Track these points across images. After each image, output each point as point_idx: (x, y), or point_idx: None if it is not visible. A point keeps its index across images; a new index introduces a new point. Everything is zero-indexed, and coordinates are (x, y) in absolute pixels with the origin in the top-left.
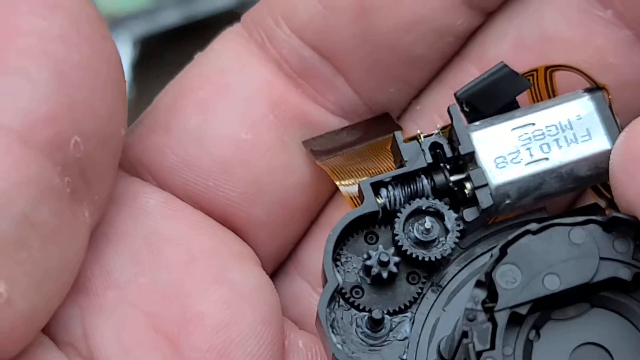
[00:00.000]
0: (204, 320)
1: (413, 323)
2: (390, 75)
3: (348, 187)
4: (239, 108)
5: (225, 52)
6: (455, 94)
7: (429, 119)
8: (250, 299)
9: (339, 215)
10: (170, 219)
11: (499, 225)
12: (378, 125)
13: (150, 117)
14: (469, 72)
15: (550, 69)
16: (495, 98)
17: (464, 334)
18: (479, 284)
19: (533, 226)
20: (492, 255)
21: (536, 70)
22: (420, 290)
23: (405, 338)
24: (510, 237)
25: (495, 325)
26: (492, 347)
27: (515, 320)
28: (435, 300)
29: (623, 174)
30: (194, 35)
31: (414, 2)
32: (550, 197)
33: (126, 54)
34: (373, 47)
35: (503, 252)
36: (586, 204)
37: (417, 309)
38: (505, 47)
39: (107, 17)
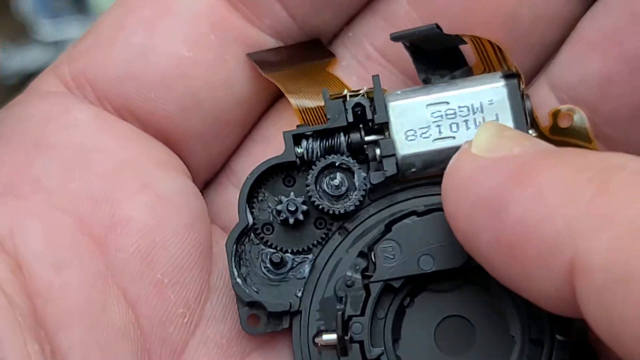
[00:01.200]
0: (130, 224)
1: (313, 264)
2: (324, 2)
3: (295, 100)
4: (182, 27)
5: None
6: (390, 35)
7: (359, 45)
8: (174, 204)
9: (272, 130)
10: (99, 132)
11: (412, 182)
12: (312, 49)
13: (95, 32)
14: (398, 3)
15: (496, 45)
16: (433, 44)
17: (340, 299)
18: (361, 254)
19: (419, 208)
20: (360, 225)
21: (480, 40)
22: (325, 235)
23: (304, 277)
24: (397, 215)
25: (368, 295)
26: (362, 313)
27: (392, 290)
28: (340, 243)
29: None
30: None
31: None
32: None
33: None
34: None
35: (388, 228)
36: None
37: (320, 251)
38: None
39: None
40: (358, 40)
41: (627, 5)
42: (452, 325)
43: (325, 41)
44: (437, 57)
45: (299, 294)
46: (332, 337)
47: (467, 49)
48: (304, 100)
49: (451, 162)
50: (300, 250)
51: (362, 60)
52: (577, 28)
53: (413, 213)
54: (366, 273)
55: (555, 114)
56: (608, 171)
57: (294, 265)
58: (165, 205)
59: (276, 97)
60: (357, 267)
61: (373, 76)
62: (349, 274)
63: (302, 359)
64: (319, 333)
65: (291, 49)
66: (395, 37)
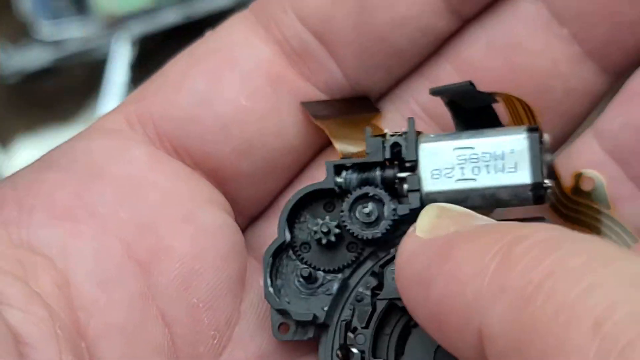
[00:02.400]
0: (172, 252)
1: (344, 283)
2: (376, 64)
3: (340, 145)
4: (242, 79)
5: (234, 31)
6: (430, 89)
7: (404, 102)
8: (214, 237)
9: (318, 173)
10: (151, 168)
11: None
12: (360, 104)
13: (162, 78)
14: (444, 69)
15: (524, 103)
16: (468, 100)
17: (349, 312)
18: (372, 274)
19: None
20: (390, 253)
21: (511, 98)
22: (355, 258)
23: (331, 294)
24: None
25: (374, 310)
26: (367, 326)
27: (399, 309)
28: (371, 267)
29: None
30: (193, 35)
31: (407, 3)
32: (475, 209)
33: (125, 53)
34: (366, 38)
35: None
36: (533, 216)
37: (352, 273)
38: (477, 49)
39: (106, 17)
40: (404, 98)
41: None
42: None
43: (372, 98)
44: (474, 114)
45: (326, 308)
46: (354, 350)
47: (502, 111)
48: (348, 146)
49: (400, 244)
50: (332, 269)
51: (406, 115)
52: (624, 85)
53: None
54: (375, 291)
55: (578, 176)
56: (513, 242)
57: (324, 282)
58: (205, 237)
59: (324, 146)
60: (368, 285)
61: (408, 118)
62: (360, 290)
63: None
64: (341, 347)
65: (341, 102)
66: (433, 91)
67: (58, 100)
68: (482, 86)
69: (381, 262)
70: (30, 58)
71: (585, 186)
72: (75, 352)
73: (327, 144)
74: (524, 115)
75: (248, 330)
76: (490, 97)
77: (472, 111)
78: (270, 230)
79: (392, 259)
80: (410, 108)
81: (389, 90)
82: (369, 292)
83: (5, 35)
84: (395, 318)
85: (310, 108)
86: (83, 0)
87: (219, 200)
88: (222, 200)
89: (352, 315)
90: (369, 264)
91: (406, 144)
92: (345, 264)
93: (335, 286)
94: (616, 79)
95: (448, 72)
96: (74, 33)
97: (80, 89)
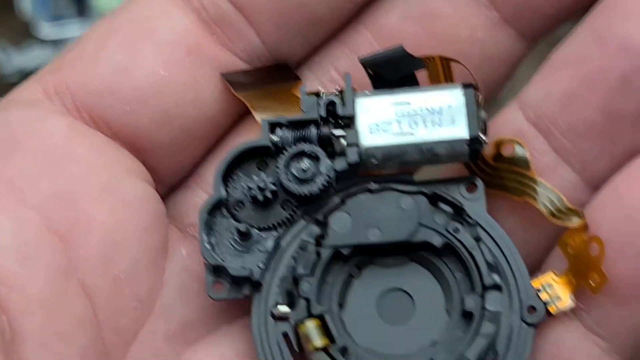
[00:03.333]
0: (93, 224)
1: (278, 242)
2: (295, 31)
3: (260, 116)
4: (160, 49)
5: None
6: (359, 58)
7: (325, 70)
8: (135, 208)
9: (239, 141)
10: (70, 139)
11: (373, 177)
12: (280, 72)
13: (79, 47)
14: (363, 35)
15: (445, 60)
16: (394, 69)
17: (294, 259)
18: (317, 222)
19: (372, 185)
20: (333, 201)
21: (433, 57)
22: (290, 216)
23: (267, 251)
24: (352, 190)
25: (319, 258)
26: (312, 274)
27: (342, 258)
28: (304, 227)
29: None
30: None
31: None
32: (411, 165)
33: None
34: (284, 5)
35: (342, 201)
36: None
37: (285, 232)
38: (395, 17)
39: None
40: (323, 65)
41: (591, 31)
42: (394, 297)
43: (292, 65)
44: (395, 84)
45: (261, 265)
46: (287, 309)
47: (420, 77)
48: (267, 116)
49: None
50: (266, 227)
51: (326, 83)
52: (548, 57)
53: (366, 190)
54: (320, 240)
55: (499, 144)
56: None
57: (259, 239)
58: (125, 208)
59: (243, 115)
60: (312, 234)
61: (345, 74)
62: (304, 238)
63: (259, 328)
64: (277, 305)
65: (261, 71)
66: (364, 60)
67: None
68: None
69: (315, 217)
70: (30, 58)
71: (506, 152)
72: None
73: (245, 113)
74: (441, 76)
75: (171, 300)
76: (419, 62)
77: (394, 82)
78: (192, 199)
79: (335, 208)
80: (329, 75)
81: (307, 58)
82: (312, 241)
83: (6, 35)
84: (338, 268)
85: (230, 79)
86: (83, 1)
87: (139, 170)
88: (142, 170)
89: (297, 264)
90: (301, 224)
91: (342, 101)
92: (280, 221)
93: (269, 243)
94: (533, 44)
95: (367, 39)
96: (74, 33)
97: None
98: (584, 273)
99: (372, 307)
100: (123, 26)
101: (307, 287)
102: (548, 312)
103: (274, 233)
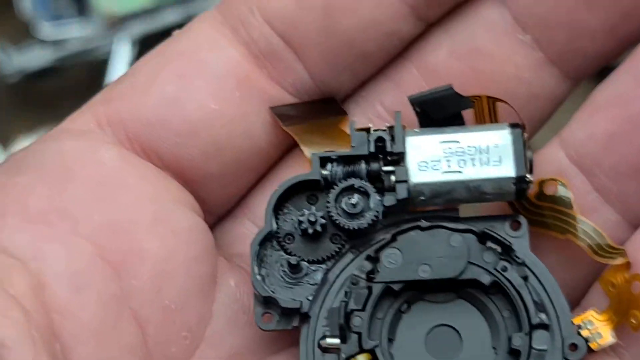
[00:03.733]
0: (144, 254)
1: (326, 275)
2: (343, 66)
3: (308, 150)
4: (211, 82)
5: (202, 32)
6: (408, 97)
7: (371, 105)
8: (184, 239)
9: (285, 176)
10: (121, 169)
11: (420, 213)
12: (327, 106)
13: (130, 79)
14: (409, 71)
15: (491, 99)
16: (442, 108)
17: (345, 294)
18: (368, 258)
19: (423, 223)
20: (384, 239)
21: (480, 97)
22: (338, 250)
23: (316, 284)
24: (403, 227)
25: (370, 293)
26: (363, 309)
27: (392, 294)
28: (352, 260)
29: None
30: None
31: (372, 8)
32: (458, 202)
33: (126, 53)
34: (333, 41)
35: (393, 237)
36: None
37: (333, 265)
38: (441, 54)
39: (107, 17)
40: (369, 100)
41: (633, 73)
42: (442, 333)
43: (339, 99)
44: (442, 122)
45: (310, 298)
46: (335, 341)
47: (466, 116)
48: (315, 150)
49: None
50: (316, 260)
51: (372, 118)
52: (589, 96)
53: (417, 227)
54: (370, 275)
55: (542, 183)
56: None
57: (309, 272)
58: (175, 239)
59: (290, 148)
60: (363, 269)
61: (395, 112)
62: (355, 273)
63: (307, 357)
64: (324, 337)
65: (308, 105)
66: (412, 98)
67: (58, 100)
68: None
69: (366, 252)
70: (30, 58)
71: (549, 191)
72: (50, 353)
73: (294, 146)
74: (487, 116)
75: (220, 330)
76: (467, 101)
77: (440, 120)
78: (239, 229)
79: (386, 244)
80: (376, 111)
81: (354, 92)
82: (364, 276)
83: (6, 35)
84: (388, 303)
85: (279, 112)
86: (83, 1)
87: (188, 200)
88: (192, 201)
89: (348, 299)
90: (349, 257)
91: (391, 138)
92: (329, 255)
93: (319, 276)
94: (576, 84)
95: (413, 75)
96: (74, 33)
97: (80, 89)
98: (625, 311)
99: (420, 343)
100: (174, 58)
101: (358, 321)
102: (589, 349)
103: (323, 266)
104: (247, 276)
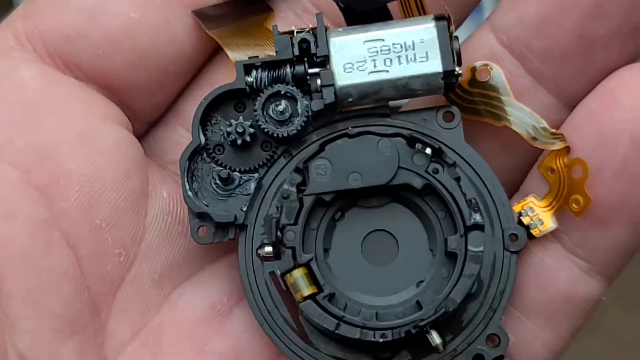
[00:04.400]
0: (71, 175)
1: (259, 183)
2: None
3: (233, 53)
4: None
5: None
6: None
7: (298, 0)
8: (112, 156)
9: (214, 79)
10: (44, 89)
11: (351, 113)
12: (252, 4)
13: None
14: None
15: None
16: (367, 1)
17: (277, 209)
18: (297, 170)
19: (351, 130)
20: (312, 149)
21: None
22: (270, 157)
23: (249, 194)
24: (330, 136)
25: (302, 206)
26: (295, 223)
27: (324, 204)
28: (284, 165)
29: None
30: None
31: None
32: (388, 101)
33: None
34: None
35: (322, 147)
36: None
37: (266, 172)
38: None
39: None
40: None
41: None
42: (378, 238)
43: None
44: (367, 17)
45: (244, 209)
46: (269, 248)
47: (393, 8)
48: (240, 53)
49: None
50: (247, 169)
51: (300, 13)
52: None
53: (345, 135)
54: (301, 187)
55: (473, 69)
56: None
57: (241, 182)
58: (103, 156)
59: (217, 50)
60: (293, 182)
61: (317, 14)
62: (285, 187)
63: (246, 268)
64: (262, 245)
65: (232, 4)
66: (321, 14)
67: None
68: None
69: (298, 158)
70: None
71: (481, 77)
72: None
73: (220, 48)
74: (414, 9)
75: (155, 243)
76: None
77: (366, 16)
78: (172, 136)
79: (314, 155)
80: (303, 6)
81: None
82: (294, 189)
83: None
84: (320, 213)
85: (202, 16)
86: None
87: (115, 114)
88: (118, 114)
89: (280, 213)
90: (281, 163)
91: (315, 40)
92: (260, 163)
93: (252, 186)
94: None
95: None
96: None
97: None
98: (566, 196)
99: (357, 250)
100: None
101: (291, 236)
102: (530, 236)
103: (255, 175)
104: (179, 186)
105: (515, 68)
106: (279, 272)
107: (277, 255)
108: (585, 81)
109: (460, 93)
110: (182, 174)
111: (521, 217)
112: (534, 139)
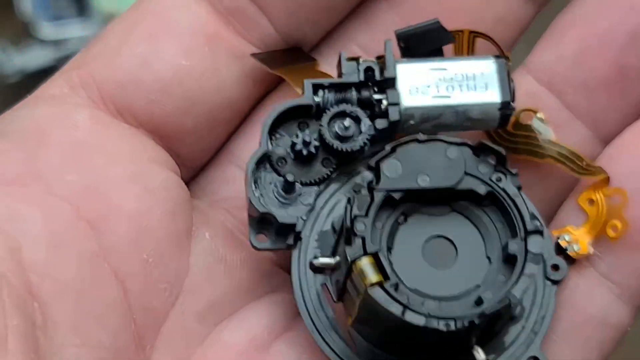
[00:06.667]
0: (121, 211)
1: (318, 196)
2: (306, 19)
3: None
4: (180, 40)
5: None
6: (395, 31)
7: (343, 45)
8: (159, 195)
9: (259, 125)
10: (95, 131)
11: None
12: (295, 54)
13: (101, 43)
14: (379, 6)
15: (473, 34)
16: (426, 42)
17: (348, 200)
18: (369, 168)
19: (421, 136)
20: (384, 149)
21: (462, 31)
22: (328, 174)
23: (309, 204)
24: (402, 140)
25: (372, 201)
26: (366, 215)
27: (390, 204)
28: (341, 186)
29: None
30: None
31: None
32: (445, 128)
33: None
34: None
35: (393, 149)
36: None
37: (323, 190)
38: None
39: (107, 17)
40: (343, 41)
41: None
42: (438, 244)
43: (306, 48)
44: (424, 57)
45: (304, 217)
46: (326, 260)
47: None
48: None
49: None
50: (308, 182)
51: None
52: (552, 24)
53: (415, 140)
54: (371, 185)
55: (519, 113)
56: None
57: (302, 193)
58: (151, 195)
59: (260, 100)
60: (364, 179)
61: (385, 41)
62: (358, 182)
63: (299, 279)
64: (316, 257)
65: (280, 53)
66: (400, 33)
67: None
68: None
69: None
70: (30, 58)
71: (525, 120)
72: (25, 313)
73: (263, 98)
74: (465, 50)
75: (198, 281)
76: (450, 36)
77: (423, 55)
78: (222, 175)
79: (386, 156)
80: (350, 50)
81: (326, 36)
82: (365, 184)
83: (6, 35)
84: (386, 214)
85: (261, 59)
86: (83, 1)
87: (163, 158)
88: (166, 158)
89: (352, 204)
90: (336, 184)
91: (380, 67)
92: (320, 178)
93: (311, 198)
94: (539, 9)
95: (384, 10)
96: (74, 33)
97: None
98: (603, 224)
99: (417, 252)
100: (142, 19)
101: (362, 226)
102: (570, 261)
103: (315, 188)
104: (223, 228)
105: (553, 103)
106: (350, 259)
107: (348, 240)
108: (620, 114)
109: (502, 134)
110: (249, 178)
111: (559, 241)
112: (575, 171)
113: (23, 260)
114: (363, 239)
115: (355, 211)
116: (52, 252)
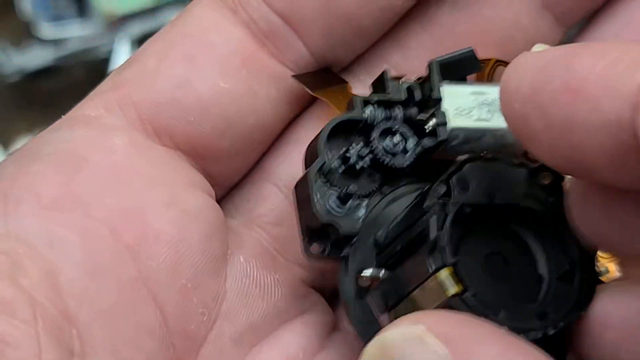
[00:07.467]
0: (159, 236)
1: (371, 209)
2: (340, 42)
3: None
4: (218, 62)
5: (204, 14)
6: (435, 60)
7: (375, 65)
8: (196, 220)
9: (289, 147)
10: (133, 155)
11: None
12: (326, 76)
13: (137, 64)
14: (412, 30)
15: (498, 63)
16: (457, 70)
17: (422, 213)
18: (441, 182)
19: (486, 154)
20: (454, 164)
21: (488, 60)
22: (375, 189)
23: (360, 217)
24: (471, 156)
25: (445, 215)
26: (441, 228)
27: (459, 218)
28: (376, 204)
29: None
30: None
31: None
32: (480, 151)
33: (126, 53)
34: (330, 17)
35: (462, 164)
36: None
37: (377, 202)
38: (443, 9)
39: (107, 17)
40: (374, 62)
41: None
42: (496, 260)
43: (338, 69)
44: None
45: (358, 227)
46: (374, 272)
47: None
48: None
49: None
50: (360, 195)
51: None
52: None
53: (480, 157)
54: (440, 200)
55: None
56: None
57: (353, 206)
58: (188, 220)
59: (291, 121)
60: (437, 193)
61: (430, 61)
62: (433, 194)
63: (345, 290)
64: (361, 270)
65: (314, 75)
66: (440, 61)
67: (59, 99)
68: (449, 42)
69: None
70: (30, 58)
71: None
72: (62, 341)
73: (294, 120)
74: (486, 77)
75: (235, 305)
76: (480, 65)
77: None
78: (260, 192)
79: (455, 171)
80: (382, 69)
81: (359, 58)
82: (437, 199)
83: (6, 35)
84: (454, 227)
85: (302, 80)
86: (83, 1)
87: (200, 182)
88: (202, 182)
89: (437, 217)
90: (374, 200)
91: (420, 88)
92: (369, 192)
93: (363, 211)
94: (566, 31)
95: (417, 33)
96: (74, 33)
97: (81, 89)
98: None
99: (478, 267)
100: (179, 41)
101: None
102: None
103: (365, 201)
104: (258, 247)
105: None
106: (432, 268)
107: (432, 250)
108: None
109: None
110: (311, 186)
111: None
112: None
113: (61, 286)
114: (443, 249)
115: (440, 223)
116: (91, 277)
